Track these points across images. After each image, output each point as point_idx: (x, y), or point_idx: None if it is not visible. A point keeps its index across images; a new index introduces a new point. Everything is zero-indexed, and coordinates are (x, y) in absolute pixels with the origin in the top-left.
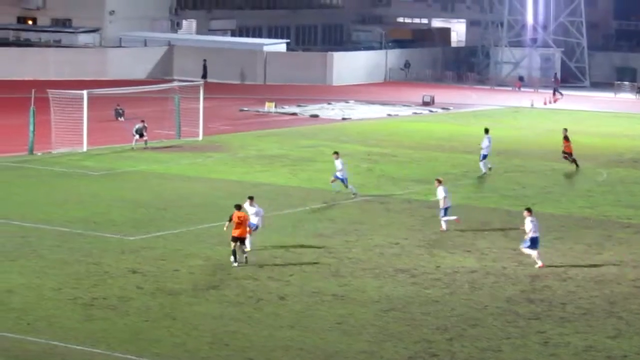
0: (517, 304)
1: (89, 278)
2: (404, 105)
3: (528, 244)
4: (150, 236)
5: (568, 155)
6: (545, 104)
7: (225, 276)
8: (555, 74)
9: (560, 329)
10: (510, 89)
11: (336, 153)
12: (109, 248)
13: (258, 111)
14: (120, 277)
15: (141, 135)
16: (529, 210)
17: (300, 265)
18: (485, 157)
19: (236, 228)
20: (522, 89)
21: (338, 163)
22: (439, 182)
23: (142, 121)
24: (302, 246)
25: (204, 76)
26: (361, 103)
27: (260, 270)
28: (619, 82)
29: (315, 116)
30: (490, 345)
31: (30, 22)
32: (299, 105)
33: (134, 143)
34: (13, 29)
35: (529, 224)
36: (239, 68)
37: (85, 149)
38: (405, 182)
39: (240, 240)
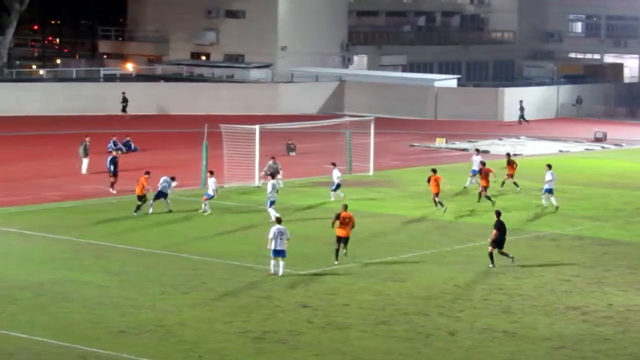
0: None
1: (260, 311)
2: (576, 141)
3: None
4: (320, 270)
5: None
6: None
7: (395, 311)
8: (521, 101)
9: None
10: None
11: (549, 165)
12: (278, 282)
13: (429, 147)
14: (290, 311)
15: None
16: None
17: (470, 301)
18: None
19: (341, 227)
20: None
21: (548, 175)
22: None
23: (273, 158)
24: (472, 282)
25: (124, 109)
26: (532, 139)
27: (429, 306)
28: None
29: (486, 152)
30: None
31: (203, 58)
32: (469, 141)
33: (260, 182)
34: (186, 65)
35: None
36: (410, 104)
37: (256, 183)
38: (575, 218)
39: (344, 240)
